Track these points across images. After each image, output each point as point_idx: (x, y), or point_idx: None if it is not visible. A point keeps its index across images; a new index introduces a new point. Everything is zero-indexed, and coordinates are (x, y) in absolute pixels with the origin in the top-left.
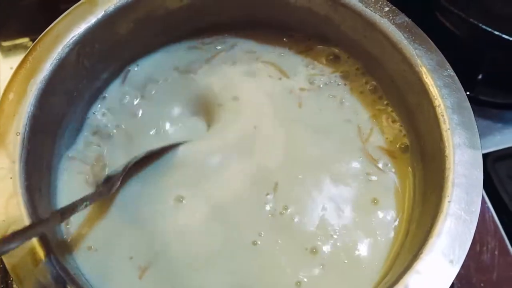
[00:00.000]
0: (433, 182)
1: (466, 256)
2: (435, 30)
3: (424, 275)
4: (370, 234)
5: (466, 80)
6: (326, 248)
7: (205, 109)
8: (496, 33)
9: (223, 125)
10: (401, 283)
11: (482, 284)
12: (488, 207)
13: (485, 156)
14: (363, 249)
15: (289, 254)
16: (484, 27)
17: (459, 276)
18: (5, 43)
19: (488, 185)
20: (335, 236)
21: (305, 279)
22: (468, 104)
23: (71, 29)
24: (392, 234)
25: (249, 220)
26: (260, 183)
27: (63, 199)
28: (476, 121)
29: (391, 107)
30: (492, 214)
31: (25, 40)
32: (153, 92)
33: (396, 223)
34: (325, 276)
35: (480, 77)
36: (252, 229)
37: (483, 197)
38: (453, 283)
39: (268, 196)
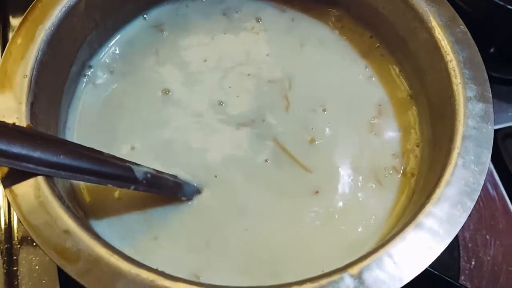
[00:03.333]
0: (443, 137)
1: (474, 230)
2: None
3: (431, 223)
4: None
5: None
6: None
7: None
8: (509, 7)
9: None
10: (405, 231)
11: (488, 258)
12: (497, 183)
13: (495, 132)
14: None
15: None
16: (497, 1)
17: (466, 250)
18: (15, 21)
19: (498, 161)
20: None
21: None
22: (480, 59)
23: None
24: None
25: None
26: None
27: None
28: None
29: (401, 68)
30: (501, 190)
31: None
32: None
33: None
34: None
35: (492, 51)
36: None
37: (492, 174)
38: (459, 255)
39: None
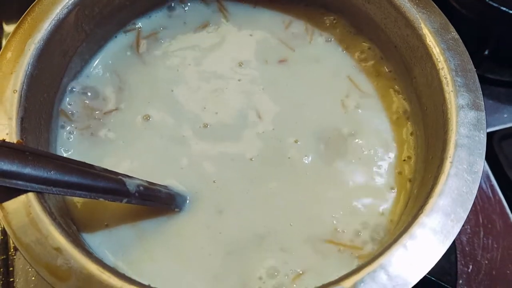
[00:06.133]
0: (435, 146)
1: (471, 234)
2: (443, 10)
3: (424, 234)
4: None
5: (473, 58)
6: None
7: None
8: (503, 9)
9: None
10: (399, 242)
11: (486, 262)
12: (493, 185)
13: (491, 134)
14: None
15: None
16: (491, 2)
17: (463, 253)
18: (8, 28)
19: (494, 163)
20: None
21: None
22: (472, 66)
23: None
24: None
25: None
26: None
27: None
28: (483, 100)
29: (394, 74)
30: (497, 192)
31: None
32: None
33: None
34: None
35: (486, 53)
36: None
37: (488, 176)
38: (456, 260)
39: None
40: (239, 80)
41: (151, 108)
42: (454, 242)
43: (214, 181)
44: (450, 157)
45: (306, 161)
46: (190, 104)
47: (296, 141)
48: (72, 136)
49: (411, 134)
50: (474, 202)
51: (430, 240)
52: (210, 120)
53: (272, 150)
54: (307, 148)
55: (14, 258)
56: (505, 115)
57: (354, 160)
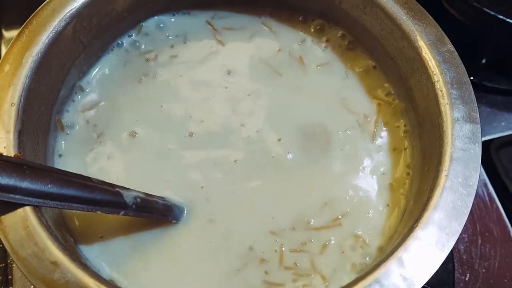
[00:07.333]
0: (431, 158)
1: (468, 242)
2: (440, 19)
3: (419, 247)
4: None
5: (470, 66)
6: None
7: None
8: (500, 17)
9: None
10: (394, 256)
11: (484, 270)
12: (491, 193)
13: (488, 143)
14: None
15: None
16: (488, 11)
17: (460, 261)
18: (8, 33)
19: (492, 171)
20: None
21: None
22: (468, 79)
23: (68, 3)
24: (386, 210)
25: None
26: None
27: None
28: (480, 108)
29: (390, 86)
30: (495, 201)
31: None
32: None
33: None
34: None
35: (483, 62)
36: None
37: (486, 184)
38: (453, 268)
39: None
40: (226, 88)
41: (140, 120)
42: (451, 250)
43: (202, 187)
44: (445, 170)
45: (289, 158)
46: (177, 114)
47: (279, 140)
48: (68, 149)
49: (408, 145)
50: (471, 211)
51: (425, 253)
52: (196, 128)
53: (256, 151)
54: (290, 145)
55: (13, 267)
56: (503, 123)
57: (346, 162)
